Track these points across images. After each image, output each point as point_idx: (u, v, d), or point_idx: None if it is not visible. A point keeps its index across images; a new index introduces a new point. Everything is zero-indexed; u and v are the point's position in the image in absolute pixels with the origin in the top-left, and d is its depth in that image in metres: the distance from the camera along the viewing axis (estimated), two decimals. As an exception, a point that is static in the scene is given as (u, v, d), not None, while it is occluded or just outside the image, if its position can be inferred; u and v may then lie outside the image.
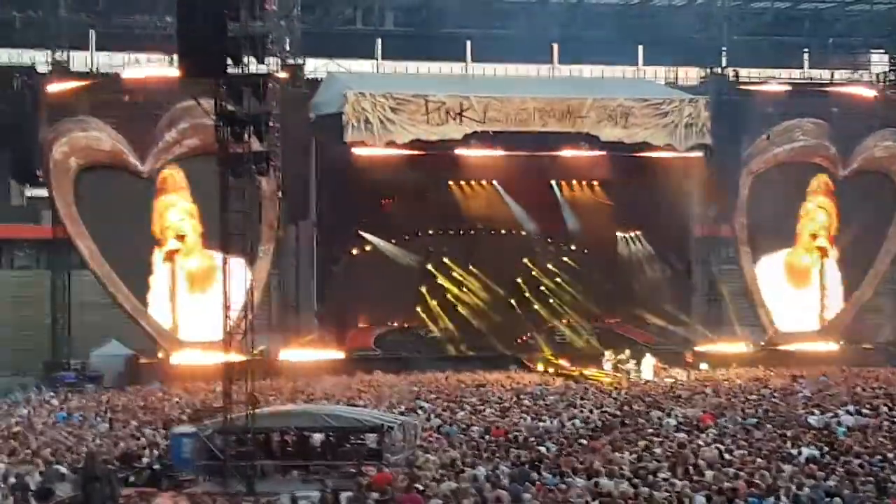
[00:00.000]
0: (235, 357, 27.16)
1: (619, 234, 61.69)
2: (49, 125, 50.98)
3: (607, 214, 60.24)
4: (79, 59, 53.68)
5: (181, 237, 53.21)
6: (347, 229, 57.00)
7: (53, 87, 51.27)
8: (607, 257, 60.88)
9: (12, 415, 35.89)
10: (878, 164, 61.19)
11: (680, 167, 57.09)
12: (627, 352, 51.10)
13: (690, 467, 22.04)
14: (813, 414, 31.29)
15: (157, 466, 25.58)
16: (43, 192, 53.09)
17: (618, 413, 32.93)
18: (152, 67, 51.52)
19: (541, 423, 30.86)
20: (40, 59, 52.87)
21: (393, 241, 58.40)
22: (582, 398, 37.82)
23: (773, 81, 60.79)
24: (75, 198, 51.41)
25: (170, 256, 53.17)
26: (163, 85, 49.79)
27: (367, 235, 58.00)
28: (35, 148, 51.20)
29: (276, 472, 25.93)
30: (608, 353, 51.32)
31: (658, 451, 24.69)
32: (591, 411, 33.54)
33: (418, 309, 58.50)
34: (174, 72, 41.63)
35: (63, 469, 23.23)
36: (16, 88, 51.55)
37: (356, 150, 53.55)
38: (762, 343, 58.12)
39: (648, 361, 49.06)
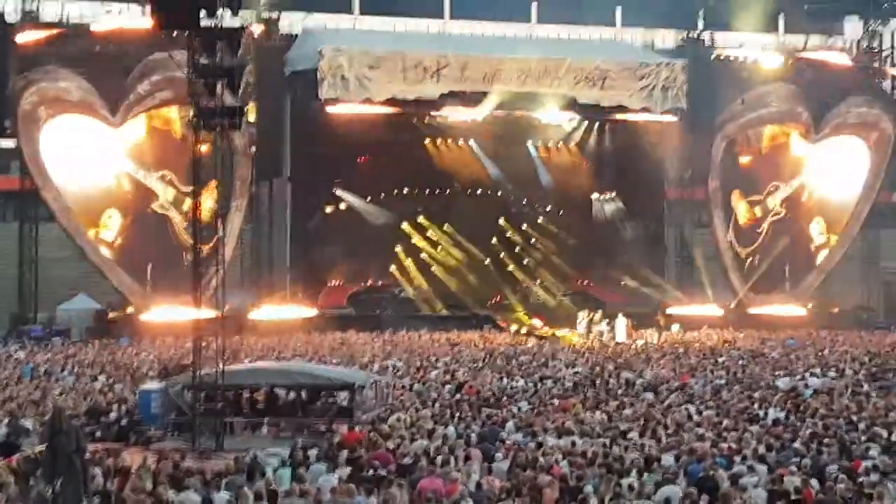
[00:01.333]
0: (206, 313, 26.91)
1: (594, 195, 61.65)
2: (18, 75, 50.30)
3: (583, 176, 60.20)
4: (49, 9, 52.89)
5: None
6: (322, 187, 56.69)
7: (23, 37, 50.54)
8: (582, 218, 60.98)
9: (-22, 368, 35.55)
10: (851, 129, 61.25)
11: (655, 130, 57.06)
12: (600, 312, 51.11)
13: (660, 428, 22.00)
14: (780, 376, 31.35)
15: (125, 422, 25.38)
16: (11, 143, 52.39)
17: (589, 373, 32.91)
18: (124, 18, 50.79)
19: (513, 383, 30.79)
20: (10, 9, 52.03)
21: (368, 199, 58.17)
22: (553, 358, 37.80)
23: (747, 46, 60.59)
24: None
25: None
26: (135, 36, 49.16)
27: (342, 193, 57.73)
28: (3, 98, 50.58)
29: (245, 428, 25.78)
30: (581, 314, 51.32)
31: (628, 412, 24.68)
32: (562, 371, 33.52)
33: (393, 268, 58.42)
34: (147, 23, 41.12)
35: (28, 423, 22.98)
36: (-15, 38, 50.68)
37: (331, 108, 53.10)
38: (732, 306, 58.21)
39: (621, 322, 49.07)
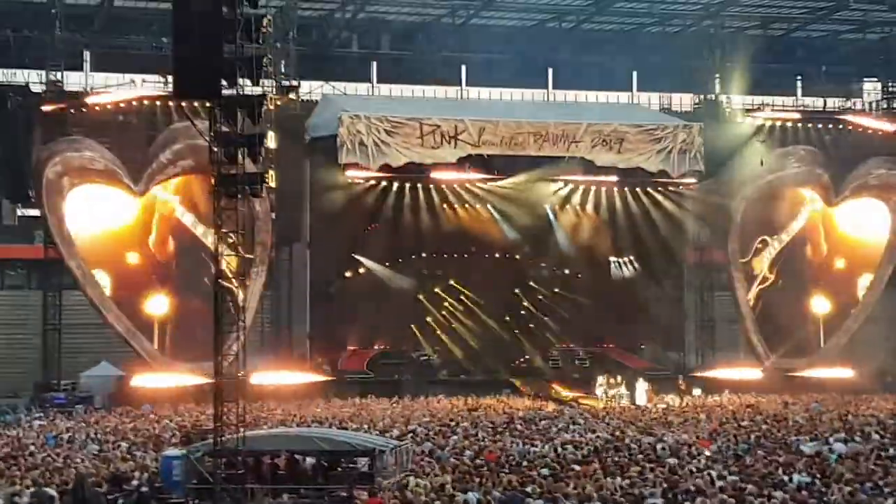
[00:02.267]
0: (227, 379, 27.00)
1: (612, 258, 61.66)
2: (43, 145, 50.86)
3: (600, 238, 60.28)
4: (73, 79, 53.72)
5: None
6: (341, 252, 56.95)
7: (48, 107, 51.20)
8: (600, 281, 60.81)
9: (1, 436, 35.69)
10: (872, 191, 61.18)
11: (673, 193, 57.25)
12: (619, 377, 50.99)
13: (682, 493, 21.92)
14: (805, 441, 31.18)
15: (146, 489, 25.38)
16: (36, 212, 52.90)
17: (610, 438, 32.81)
18: (147, 88, 51.47)
19: (533, 448, 30.73)
20: (35, 79, 52.81)
21: (387, 263, 58.36)
22: (574, 423, 37.70)
23: (766, 108, 60.93)
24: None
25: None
26: (157, 106, 49.80)
27: (361, 258, 57.97)
28: (28, 167, 51.03)
29: (266, 495, 25.75)
30: (601, 379, 51.14)
31: (650, 476, 24.58)
32: (582, 436, 33.43)
33: (412, 332, 58.41)
34: (169, 93, 41.72)
35: (52, 491, 23.05)
36: (10, 108, 51.38)
37: (350, 173, 53.57)
38: (766, 367, 57.46)
39: (641, 387, 48.97)
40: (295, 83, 55.19)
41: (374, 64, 63.45)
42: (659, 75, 60.38)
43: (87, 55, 56.28)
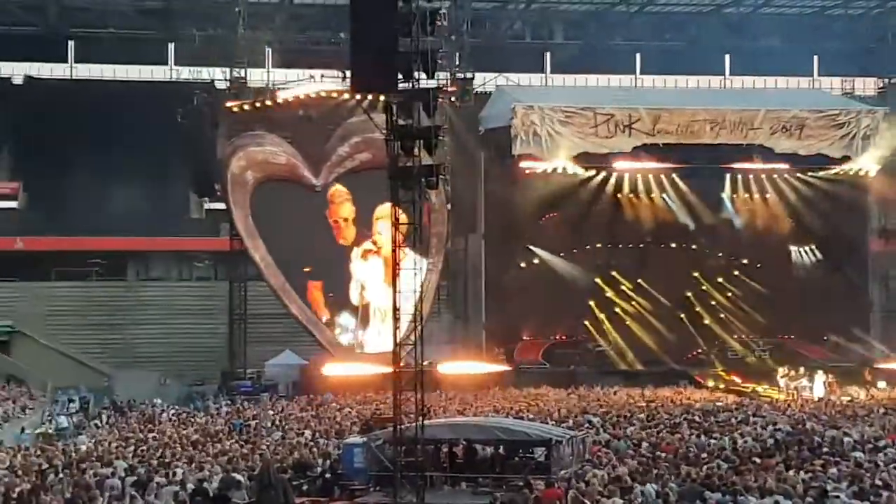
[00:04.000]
0: (406, 368, 27.44)
1: (792, 247, 60.30)
2: (227, 140, 52.32)
3: (780, 227, 59.04)
4: (256, 76, 55.16)
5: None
6: (516, 242, 57.15)
7: (231, 103, 52.68)
8: (780, 271, 59.52)
9: (192, 423, 37.01)
10: None
11: (856, 179, 55.67)
12: (801, 368, 49.91)
13: (868, 488, 21.39)
14: None
15: (329, 475, 26.01)
16: (221, 206, 54.50)
17: (792, 431, 32.18)
18: (325, 84, 52.51)
19: (712, 441, 30.36)
20: (219, 76, 54.36)
21: (561, 254, 58.29)
22: (754, 415, 37.07)
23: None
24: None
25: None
26: (335, 101, 50.79)
27: (535, 249, 58.04)
28: (214, 162, 52.46)
29: (445, 483, 26.09)
30: (782, 370, 50.18)
31: (833, 470, 24.04)
32: (763, 429, 32.87)
33: (587, 323, 58.25)
34: (347, 87, 42.50)
35: (239, 476, 23.79)
36: (195, 104, 52.89)
37: (524, 164, 53.69)
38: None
39: (820, 379, 47.83)
40: (469, 75, 55.59)
41: (548, 54, 63.51)
42: (841, 59, 58.78)
43: (268, 52, 57.79)
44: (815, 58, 61.29)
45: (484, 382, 49.90)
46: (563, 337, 59.18)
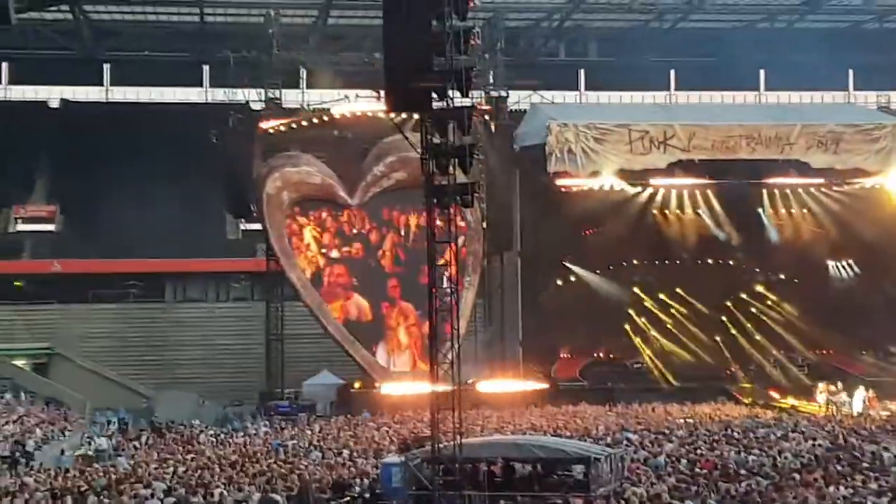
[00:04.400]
0: (442, 387, 27.42)
1: (830, 262, 59.91)
2: (262, 161, 52.54)
3: (817, 242, 58.67)
4: (290, 96, 55.45)
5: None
6: (552, 260, 57.09)
7: (266, 124, 52.90)
8: (818, 287, 59.15)
9: (230, 443, 37.13)
10: None
11: (894, 193, 55.28)
12: (840, 384, 49.51)
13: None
14: None
15: (367, 495, 26.02)
16: (257, 226, 54.76)
17: (831, 446, 31.93)
18: (360, 103, 52.68)
19: (751, 457, 30.17)
20: (254, 97, 54.70)
21: (597, 271, 58.18)
22: (793, 431, 36.81)
23: None
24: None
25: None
26: (370, 120, 50.96)
27: (572, 266, 57.93)
28: (249, 183, 52.61)
29: (483, 502, 26.02)
30: (821, 385, 49.78)
31: (874, 486, 23.84)
32: (803, 445, 32.63)
33: (624, 339, 58.05)
34: (381, 107, 42.64)
35: (278, 497, 23.85)
36: (231, 125, 53.17)
37: (559, 181, 53.66)
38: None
39: (860, 394, 47.42)
40: (503, 93, 55.64)
41: (582, 71, 63.55)
42: (876, 73, 58.51)
43: (302, 72, 58.07)
44: (850, 72, 61.04)
45: (522, 400, 49.76)
46: (601, 354, 59.01)
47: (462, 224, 44.07)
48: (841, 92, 62.11)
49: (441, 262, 27.64)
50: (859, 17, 62.94)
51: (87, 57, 64.90)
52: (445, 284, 27.74)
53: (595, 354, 58.95)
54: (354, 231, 54.39)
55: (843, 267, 59.74)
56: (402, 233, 54.51)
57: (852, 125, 54.54)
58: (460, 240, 37.00)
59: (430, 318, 27.51)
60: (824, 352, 58.97)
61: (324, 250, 53.94)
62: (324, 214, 54.04)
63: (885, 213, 55.76)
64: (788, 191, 57.18)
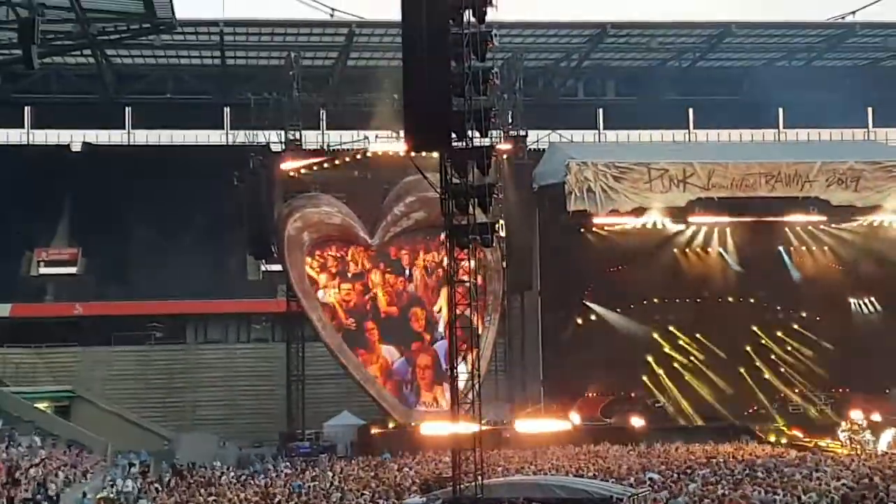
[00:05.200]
0: (464, 427, 27.41)
1: (851, 299, 59.65)
2: (283, 202, 52.71)
3: (838, 279, 58.45)
4: (311, 138, 55.74)
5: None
6: (572, 299, 56.98)
7: (287, 165, 53.13)
8: (840, 324, 58.79)
9: (251, 485, 37.05)
10: None
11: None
12: (864, 422, 49.16)
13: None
14: None
15: (389, 535, 25.98)
16: (278, 267, 54.85)
17: (856, 486, 31.66)
18: (380, 143, 52.88)
19: (775, 497, 29.96)
20: (275, 139, 54.99)
21: (618, 309, 58.00)
22: (817, 470, 36.54)
23: None
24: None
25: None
26: (390, 160, 51.16)
27: (592, 305, 57.83)
28: (270, 224, 52.75)
29: (505, 542, 25.93)
30: (844, 424, 49.45)
31: (900, 526, 23.66)
32: (828, 484, 32.37)
33: (645, 378, 57.80)
34: (401, 147, 42.84)
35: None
36: (252, 167, 53.40)
37: (579, 220, 53.68)
38: None
39: (889, 433, 47.06)
40: (522, 133, 55.82)
41: (601, 111, 63.68)
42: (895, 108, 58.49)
43: (322, 114, 58.34)
44: (870, 109, 61.01)
45: (543, 440, 49.54)
46: (623, 393, 58.74)
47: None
48: (860, 129, 62.06)
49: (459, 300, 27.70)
50: (878, 55, 63.02)
51: (109, 100, 65.44)
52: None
53: (616, 393, 58.65)
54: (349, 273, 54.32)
55: (865, 303, 59.43)
56: (408, 273, 54.38)
57: (872, 162, 54.52)
58: (478, 279, 37.00)
59: (450, 357, 27.57)
60: (847, 390, 58.54)
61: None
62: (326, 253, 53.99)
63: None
64: (809, 228, 57.07)
